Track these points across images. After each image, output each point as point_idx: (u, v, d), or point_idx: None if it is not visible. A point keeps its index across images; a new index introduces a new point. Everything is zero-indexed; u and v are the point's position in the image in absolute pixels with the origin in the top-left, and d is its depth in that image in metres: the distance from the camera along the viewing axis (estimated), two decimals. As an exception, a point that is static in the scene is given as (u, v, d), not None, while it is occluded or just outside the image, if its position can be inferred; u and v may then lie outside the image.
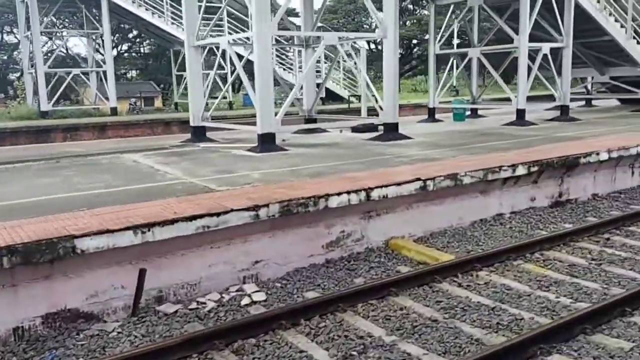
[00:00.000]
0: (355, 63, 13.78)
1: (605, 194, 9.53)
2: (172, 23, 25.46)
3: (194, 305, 5.29)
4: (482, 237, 7.36)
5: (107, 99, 25.77)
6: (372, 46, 59.63)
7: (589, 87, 20.52)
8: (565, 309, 5.12)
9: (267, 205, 5.68)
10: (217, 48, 15.76)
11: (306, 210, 5.98)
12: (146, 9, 25.31)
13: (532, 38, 15.32)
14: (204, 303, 5.33)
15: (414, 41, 46.23)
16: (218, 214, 5.36)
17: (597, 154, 8.99)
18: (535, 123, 13.67)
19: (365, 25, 62.05)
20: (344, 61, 17.76)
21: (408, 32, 40.95)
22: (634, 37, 15.86)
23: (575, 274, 6.04)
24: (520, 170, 8.00)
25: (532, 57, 13.78)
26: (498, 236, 7.42)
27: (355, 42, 20.88)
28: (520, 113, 13.57)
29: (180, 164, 8.69)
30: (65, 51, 37.20)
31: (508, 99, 14.18)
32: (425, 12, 25.94)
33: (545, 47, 13.79)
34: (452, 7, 15.52)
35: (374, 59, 59.76)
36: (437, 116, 16.47)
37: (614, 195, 9.54)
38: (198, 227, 5.26)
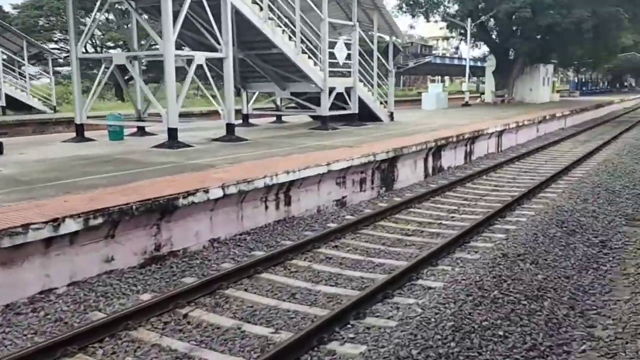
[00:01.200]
0: None
1: (230, 237, 7.74)
2: None
3: None
4: (-25, 344, 4.64)
5: None
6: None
7: (278, 102, 19.91)
8: None
9: None
10: None
11: None
12: None
13: (202, 46, 13.61)
14: None
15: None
16: None
17: (206, 191, 7.10)
18: (191, 145, 11.64)
19: (82, 26, 55.43)
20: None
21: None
22: (305, 52, 15.27)
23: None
24: (72, 226, 5.53)
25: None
26: (9, 338, 4.78)
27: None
28: (172, 132, 11.41)
29: None
30: None
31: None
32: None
33: (200, 57, 11.90)
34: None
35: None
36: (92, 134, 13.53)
37: (241, 238, 7.82)
38: None
